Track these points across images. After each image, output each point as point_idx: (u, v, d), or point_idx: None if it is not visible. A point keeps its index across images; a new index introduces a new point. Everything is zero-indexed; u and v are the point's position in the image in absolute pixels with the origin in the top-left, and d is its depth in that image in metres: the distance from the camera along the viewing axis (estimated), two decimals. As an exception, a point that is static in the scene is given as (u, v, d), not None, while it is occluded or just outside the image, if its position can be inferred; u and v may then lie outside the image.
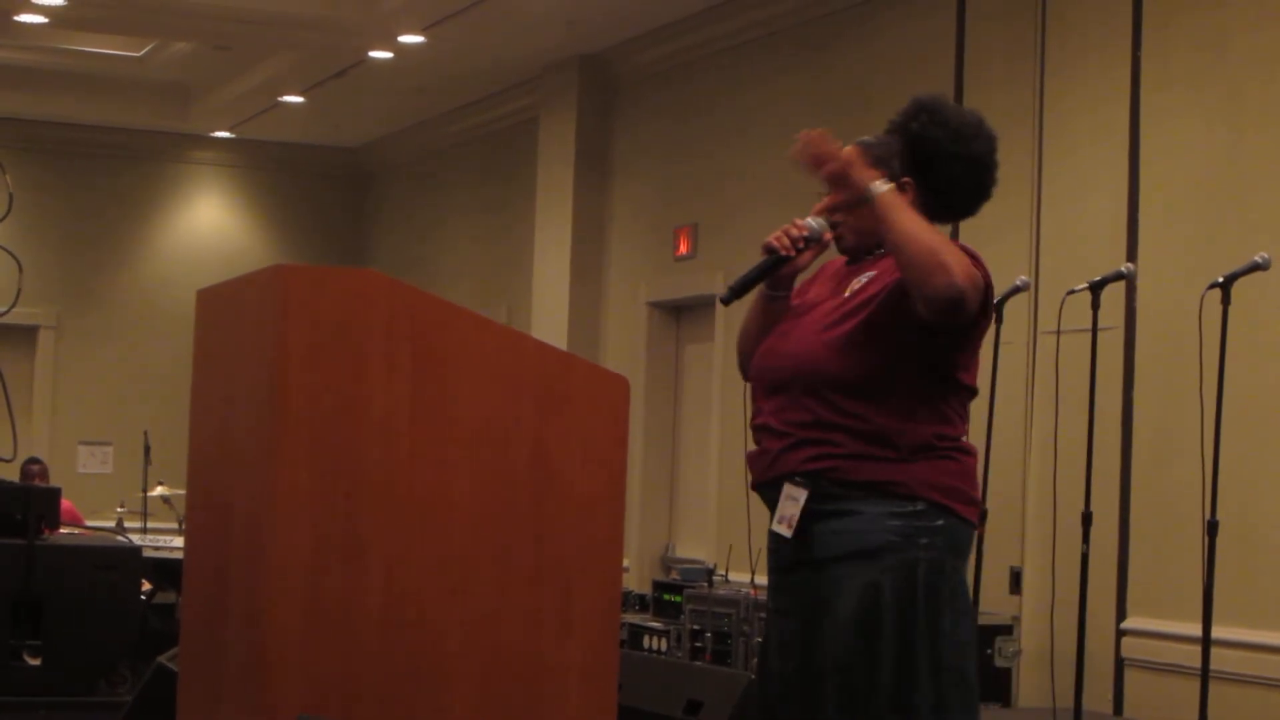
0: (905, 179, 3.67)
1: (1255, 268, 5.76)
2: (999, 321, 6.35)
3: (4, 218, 6.04)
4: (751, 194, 9.47)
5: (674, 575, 8.65)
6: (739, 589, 7.54)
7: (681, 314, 10.59)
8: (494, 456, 3.48)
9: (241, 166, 14.45)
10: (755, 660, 6.76)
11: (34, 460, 11.32)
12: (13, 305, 6.17)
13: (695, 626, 7.39)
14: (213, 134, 14.00)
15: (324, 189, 14.68)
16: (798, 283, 3.80)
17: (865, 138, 3.72)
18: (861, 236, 3.72)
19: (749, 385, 3.79)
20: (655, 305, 10.60)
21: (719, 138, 9.98)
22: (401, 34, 10.63)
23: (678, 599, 7.72)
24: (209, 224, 14.38)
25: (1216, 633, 5.78)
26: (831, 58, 9.07)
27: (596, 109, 11.08)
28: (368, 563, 3.37)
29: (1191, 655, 6.02)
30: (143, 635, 6.10)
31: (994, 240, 7.65)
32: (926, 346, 3.54)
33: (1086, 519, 6.15)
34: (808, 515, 3.55)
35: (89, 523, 10.03)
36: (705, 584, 7.75)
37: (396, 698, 3.39)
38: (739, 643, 7.22)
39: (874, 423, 3.53)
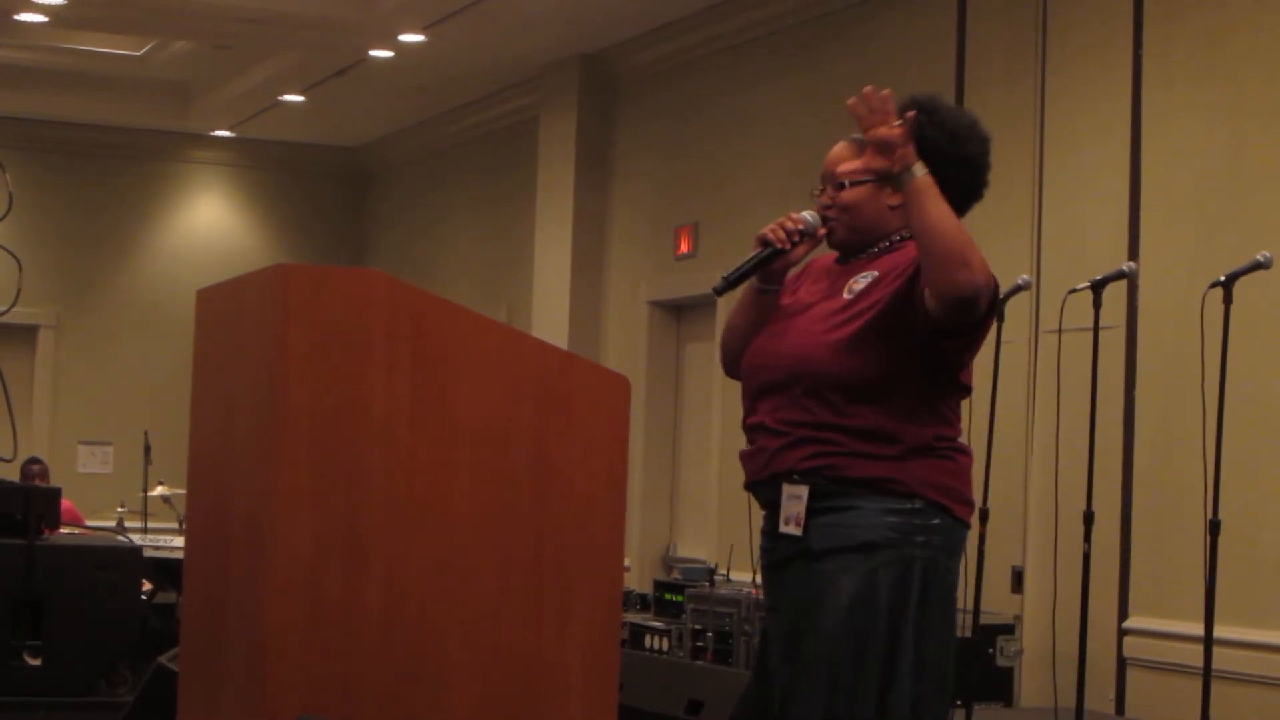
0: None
1: (1257, 266, 5.75)
2: (1000, 320, 6.34)
3: (4, 217, 6.04)
4: (752, 193, 9.47)
5: (675, 575, 8.64)
6: (740, 588, 7.53)
7: (682, 313, 10.58)
8: (494, 456, 3.48)
9: (242, 166, 14.45)
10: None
11: (34, 460, 11.32)
12: (13, 305, 6.16)
13: (696, 626, 7.38)
14: (213, 133, 14.00)
15: (324, 188, 14.68)
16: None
17: (858, 134, 3.72)
18: (854, 232, 3.70)
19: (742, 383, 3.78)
20: (656, 304, 10.59)
21: (719, 137, 9.97)
22: (402, 33, 10.63)
23: (679, 598, 7.72)
24: (209, 223, 14.37)
25: (1218, 632, 5.77)
26: (832, 57, 9.06)
27: (597, 108, 11.07)
28: (368, 562, 3.37)
29: (1193, 655, 6.01)
30: (143, 635, 6.10)
31: (995, 239, 7.64)
32: (932, 350, 3.53)
33: (1088, 518, 6.14)
34: (805, 512, 3.55)
35: (89, 523, 10.04)
36: (706, 583, 7.75)
37: (396, 698, 3.38)
38: (740, 642, 7.21)
39: (874, 423, 3.53)
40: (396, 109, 13.02)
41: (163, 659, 5.06)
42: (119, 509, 11.20)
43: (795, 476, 3.56)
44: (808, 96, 9.15)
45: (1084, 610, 6.16)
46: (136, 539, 8.49)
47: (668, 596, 7.87)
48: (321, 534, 3.34)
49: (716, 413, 9.76)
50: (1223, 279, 5.69)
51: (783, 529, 3.58)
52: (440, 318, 3.46)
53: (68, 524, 7.48)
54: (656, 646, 7.62)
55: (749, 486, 3.71)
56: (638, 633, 7.73)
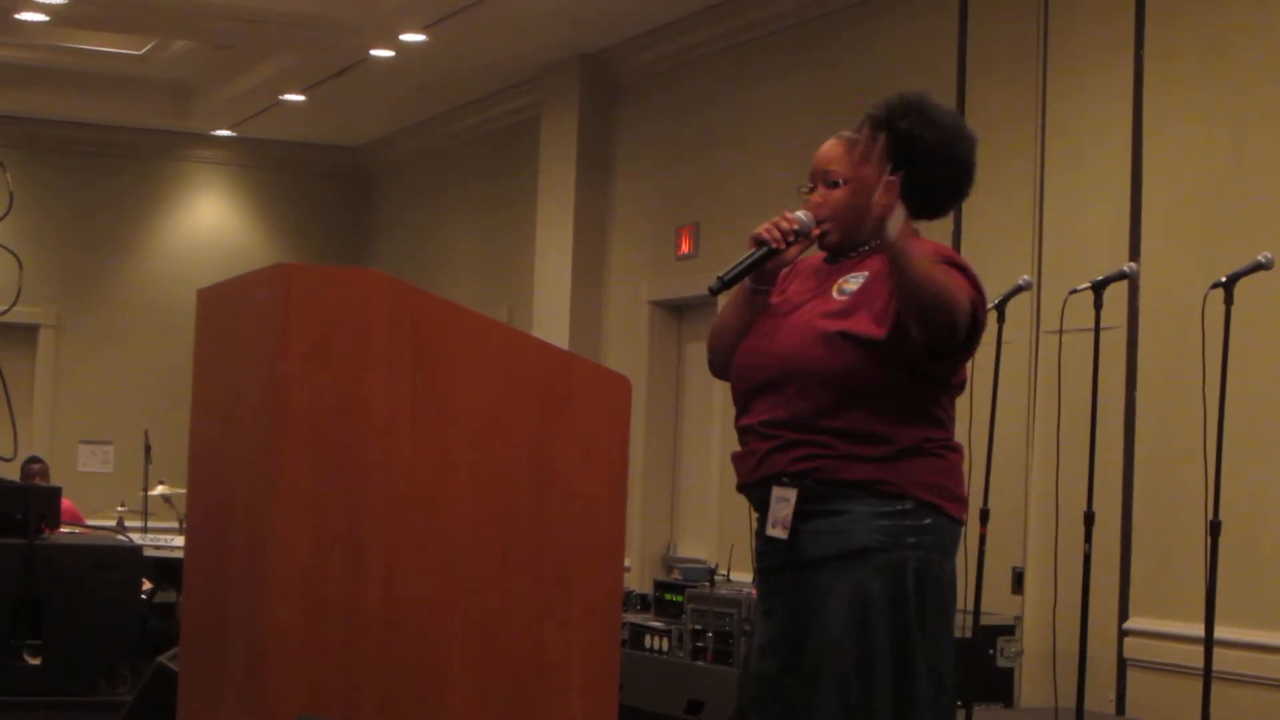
0: (891, 177, 3.66)
1: (1258, 267, 5.74)
2: (1001, 321, 6.34)
3: (4, 216, 6.03)
4: (753, 193, 9.46)
5: (675, 575, 8.63)
6: (741, 589, 7.52)
7: (683, 313, 10.58)
8: (495, 456, 3.47)
9: (242, 165, 14.44)
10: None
11: (34, 459, 11.32)
12: (13, 304, 6.15)
13: (697, 626, 7.37)
14: (214, 133, 14.00)
15: (325, 188, 14.67)
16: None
17: (847, 132, 3.71)
18: (847, 234, 3.70)
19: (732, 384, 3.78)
20: (657, 304, 10.58)
21: (720, 137, 9.97)
22: (403, 33, 10.62)
23: (679, 599, 7.70)
24: (210, 223, 14.37)
25: (1219, 633, 5.77)
26: (833, 57, 9.06)
27: (598, 108, 11.07)
28: (368, 562, 3.36)
29: (1194, 655, 6.00)
30: (143, 635, 6.09)
31: (996, 240, 7.65)
32: (924, 362, 3.53)
33: (1089, 519, 6.13)
34: (796, 515, 3.54)
35: (90, 522, 10.03)
36: (707, 583, 7.73)
37: (397, 698, 3.38)
38: (741, 643, 7.20)
39: (865, 425, 3.52)
40: (397, 109, 13.01)
41: (163, 659, 5.05)
42: (119, 508, 11.20)
43: (784, 479, 3.55)
44: (809, 96, 9.14)
45: (1084, 611, 6.16)
46: (137, 538, 8.48)
47: (668, 597, 7.85)
48: (322, 534, 3.34)
49: (717, 413, 9.76)
50: (1224, 280, 5.69)
51: (769, 532, 3.58)
52: (441, 318, 3.46)
53: (68, 523, 7.48)
54: (656, 647, 7.61)
55: (741, 489, 3.70)
56: (638, 633, 7.72)
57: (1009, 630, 7.14)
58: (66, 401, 13.82)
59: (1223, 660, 6.03)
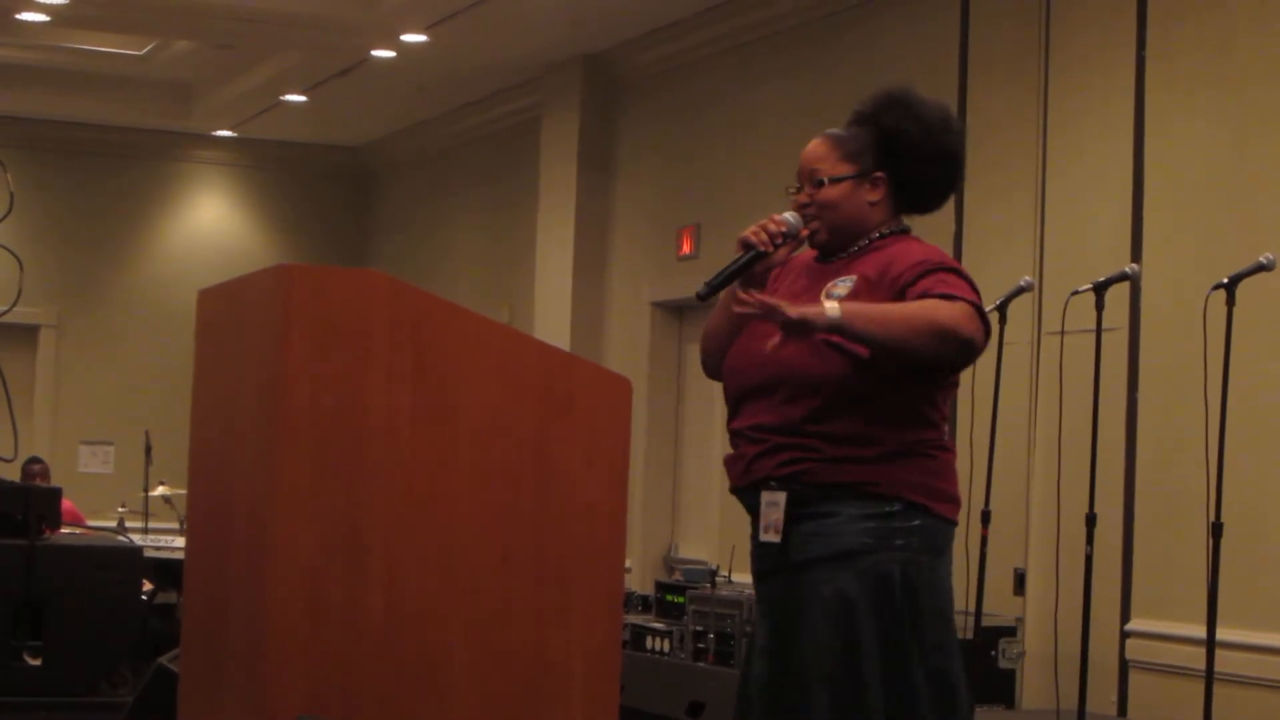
0: (878, 174, 3.65)
1: (1260, 268, 5.74)
2: (1002, 322, 6.34)
3: (5, 217, 6.03)
4: (755, 194, 9.45)
5: (676, 576, 8.63)
6: (742, 590, 7.52)
7: (684, 314, 10.58)
8: (496, 457, 3.47)
9: (243, 166, 14.44)
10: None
11: (35, 460, 11.31)
12: (14, 304, 6.15)
13: (698, 627, 7.37)
14: (215, 133, 13.99)
15: (326, 188, 14.67)
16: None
17: (834, 130, 3.70)
18: (837, 234, 3.69)
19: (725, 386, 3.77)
20: (658, 305, 10.58)
21: (722, 137, 9.96)
22: (404, 33, 10.62)
23: (680, 600, 7.70)
24: (211, 223, 14.36)
25: (1221, 635, 5.76)
26: (835, 58, 9.06)
27: (599, 109, 11.06)
28: (369, 563, 3.36)
29: (1196, 657, 5.99)
30: (143, 636, 6.09)
31: (998, 241, 7.64)
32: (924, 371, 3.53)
33: (1091, 520, 6.12)
34: (786, 518, 3.53)
35: (90, 522, 10.02)
36: (708, 585, 7.73)
37: (397, 698, 3.37)
38: (742, 644, 7.20)
39: (854, 428, 3.51)
40: (398, 109, 13.01)
41: (163, 659, 5.05)
42: (120, 509, 11.20)
43: (773, 483, 3.55)
44: (811, 97, 9.14)
45: (1086, 612, 6.15)
46: (137, 539, 8.48)
47: (669, 598, 7.85)
48: (322, 534, 3.33)
49: (719, 413, 9.74)
50: (1226, 281, 5.68)
51: (762, 537, 3.58)
52: (442, 319, 3.45)
53: (68, 524, 7.47)
54: (658, 648, 7.61)
55: (734, 492, 3.70)
56: (639, 634, 7.72)
57: (1010, 632, 7.14)
58: (67, 402, 13.82)
59: (1225, 662, 6.02)
